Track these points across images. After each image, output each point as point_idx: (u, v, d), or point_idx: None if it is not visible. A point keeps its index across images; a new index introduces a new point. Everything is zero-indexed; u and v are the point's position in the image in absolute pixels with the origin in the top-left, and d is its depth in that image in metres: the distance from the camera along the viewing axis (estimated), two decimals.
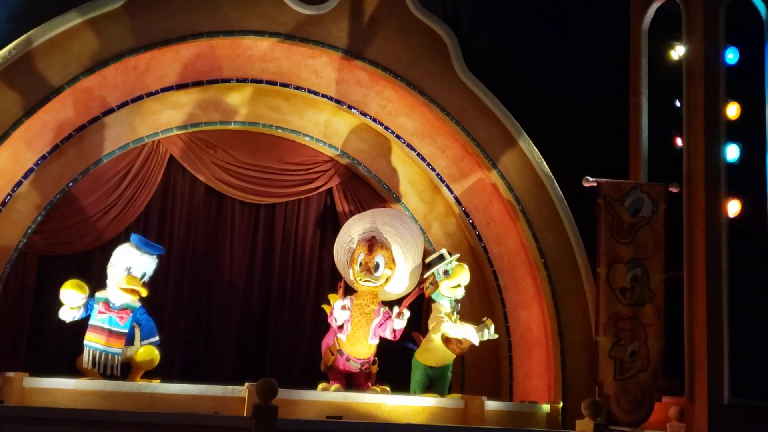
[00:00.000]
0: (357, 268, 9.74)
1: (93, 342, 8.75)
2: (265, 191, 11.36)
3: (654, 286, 11.46)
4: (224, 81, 10.58)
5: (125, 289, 8.87)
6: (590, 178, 11.50)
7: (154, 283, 10.74)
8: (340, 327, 9.61)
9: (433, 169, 11.64)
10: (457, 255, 10.63)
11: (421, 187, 11.93)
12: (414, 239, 10.38)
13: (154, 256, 9.27)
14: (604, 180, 11.56)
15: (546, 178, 11.46)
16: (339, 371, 9.66)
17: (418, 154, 11.57)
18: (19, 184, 9.50)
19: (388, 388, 9.62)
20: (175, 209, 11.12)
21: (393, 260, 9.93)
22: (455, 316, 10.31)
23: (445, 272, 10.31)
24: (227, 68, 10.53)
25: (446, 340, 10.09)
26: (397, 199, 11.86)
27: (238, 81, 10.65)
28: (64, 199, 10.21)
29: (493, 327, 10.15)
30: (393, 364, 10.75)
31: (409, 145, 11.52)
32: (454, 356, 10.34)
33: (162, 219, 11.06)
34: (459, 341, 10.05)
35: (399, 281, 10.26)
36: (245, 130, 11.23)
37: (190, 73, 10.33)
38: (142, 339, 8.92)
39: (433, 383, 10.25)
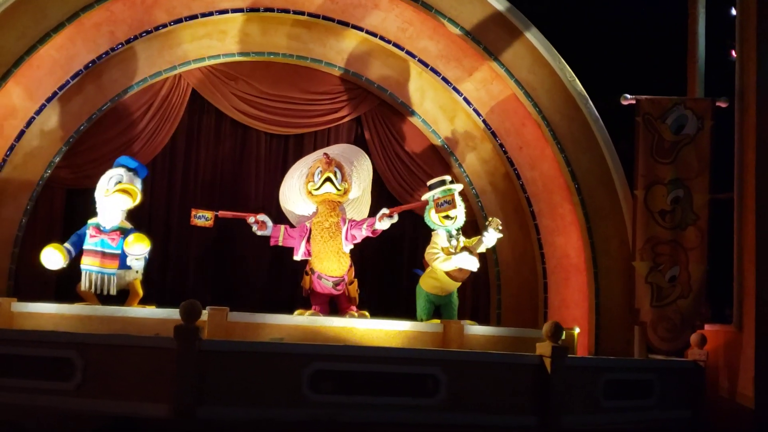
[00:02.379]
0: (314, 180, 9.57)
1: (89, 265, 9.05)
2: (290, 122, 11.35)
3: (697, 208, 10.79)
4: (235, 11, 10.53)
5: (116, 191, 9.13)
6: (628, 96, 10.87)
7: (181, 215, 11.16)
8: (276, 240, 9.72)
9: (460, 93, 11.29)
10: (460, 186, 10.36)
11: (452, 112, 11.59)
12: (360, 165, 10.11)
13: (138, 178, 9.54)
14: (643, 97, 10.89)
15: (579, 97, 10.89)
16: (319, 294, 9.61)
17: (443, 78, 11.23)
18: (31, 120, 9.88)
19: (366, 313, 9.48)
20: (200, 142, 11.30)
21: (347, 179, 9.74)
22: (453, 243, 10.02)
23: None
24: None
25: (449, 273, 9.88)
26: (427, 126, 11.63)
27: (249, 11, 10.60)
28: (87, 133, 10.55)
29: (492, 229, 9.85)
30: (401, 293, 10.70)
31: (432, 69, 11.19)
32: (458, 284, 10.12)
33: (188, 151, 11.27)
34: (460, 269, 9.82)
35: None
36: (266, 60, 11.22)
37: (199, 5, 10.35)
38: None
39: (440, 310, 10.09)
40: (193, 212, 9.57)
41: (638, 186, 10.82)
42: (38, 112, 9.92)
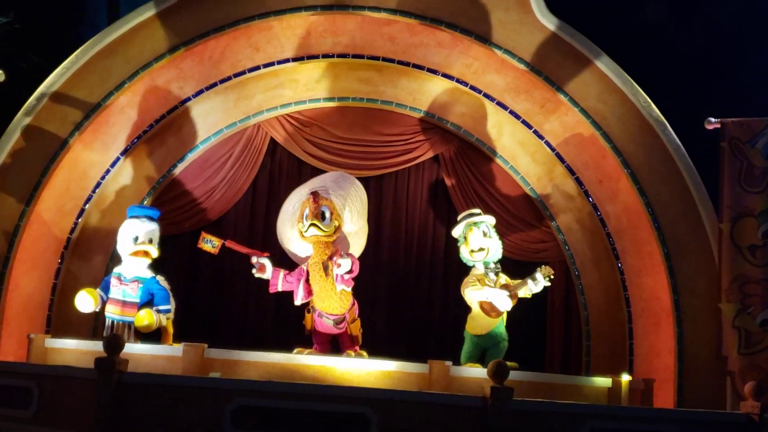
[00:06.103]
0: (303, 221, 9.16)
1: (111, 313, 9.48)
2: (365, 164, 11.40)
3: None
4: (295, 60, 10.82)
5: (136, 253, 9.54)
6: (713, 119, 9.86)
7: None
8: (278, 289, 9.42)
9: (530, 126, 10.79)
10: (490, 218, 9.89)
11: (533, 147, 11.06)
12: (352, 196, 9.47)
13: (154, 221, 9.78)
14: (729, 120, 9.84)
15: (656, 123, 10.08)
16: (320, 334, 9.34)
17: (511, 112, 10.80)
18: (107, 172, 10.70)
19: (364, 353, 9.09)
20: (281, 187, 11.49)
21: (339, 214, 9.31)
22: (491, 277, 9.53)
23: (465, 237, 9.69)
24: (299, 46, 10.74)
25: (481, 306, 9.44)
26: (506, 162, 11.20)
27: (308, 58, 10.83)
28: (172, 183, 11.24)
29: (541, 276, 9.37)
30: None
31: (499, 103, 10.81)
32: (499, 321, 9.53)
33: (270, 197, 11.56)
34: (491, 303, 9.33)
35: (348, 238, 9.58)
36: (340, 105, 11.38)
37: (262, 56, 10.75)
38: (154, 306, 9.51)
39: (486, 353, 9.56)
40: (202, 236, 9.60)
41: (723, 219, 9.74)
42: (114, 164, 10.70)
